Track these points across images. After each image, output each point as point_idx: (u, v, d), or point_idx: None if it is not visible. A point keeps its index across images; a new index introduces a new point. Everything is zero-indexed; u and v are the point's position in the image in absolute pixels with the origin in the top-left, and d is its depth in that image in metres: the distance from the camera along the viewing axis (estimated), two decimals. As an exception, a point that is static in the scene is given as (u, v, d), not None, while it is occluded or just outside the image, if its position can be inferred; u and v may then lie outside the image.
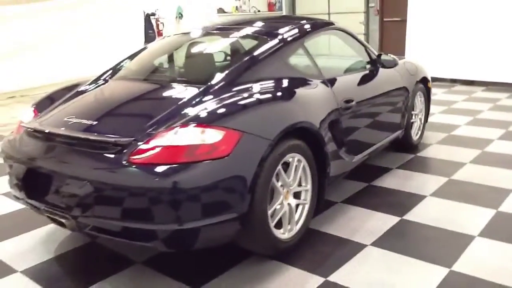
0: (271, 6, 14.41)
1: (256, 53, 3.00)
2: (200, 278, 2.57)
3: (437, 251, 2.77)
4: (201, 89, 2.71)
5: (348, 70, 3.80)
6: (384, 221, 3.18)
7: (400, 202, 3.49)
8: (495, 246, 2.81)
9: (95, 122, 2.59)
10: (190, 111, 2.50)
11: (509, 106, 6.63)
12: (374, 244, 2.88)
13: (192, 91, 2.72)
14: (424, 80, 4.71)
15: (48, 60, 9.37)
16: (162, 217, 2.26)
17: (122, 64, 3.61)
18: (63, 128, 2.60)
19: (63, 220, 2.49)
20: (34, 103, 3.16)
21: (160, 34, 11.35)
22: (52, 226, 3.27)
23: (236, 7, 13.35)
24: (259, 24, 3.53)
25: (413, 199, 3.53)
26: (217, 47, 3.69)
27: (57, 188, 2.51)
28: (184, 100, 2.62)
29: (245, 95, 2.64)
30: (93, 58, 10.08)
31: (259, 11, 13.92)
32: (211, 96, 2.63)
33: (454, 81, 8.69)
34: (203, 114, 2.45)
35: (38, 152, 2.62)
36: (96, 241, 3.05)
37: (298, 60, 3.22)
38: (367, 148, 3.70)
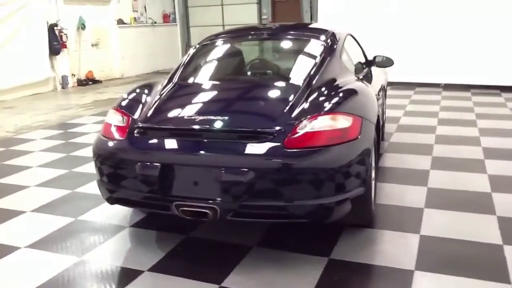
0: (166, 18, 14.57)
1: (326, 54, 3.44)
2: (322, 250, 2.93)
3: (478, 204, 3.53)
4: (303, 85, 3.06)
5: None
6: (418, 192, 3.84)
7: (414, 176, 4.21)
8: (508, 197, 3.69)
9: (226, 117, 2.81)
10: (314, 103, 2.87)
11: (423, 100, 7.99)
12: (428, 206, 3.53)
13: (295, 86, 3.06)
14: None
15: None
16: (317, 192, 2.60)
17: (189, 66, 3.70)
18: (197, 125, 2.77)
19: (206, 211, 2.65)
20: (116, 105, 3.18)
21: (64, 45, 10.78)
22: (131, 229, 3.30)
23: (135, 18, 13.24)
24: (300, 28, 3.97)
25: (421, 173, 4.29)
26: (286, 48, 4.00)
27: (203, 180, 2.66)
28: (297, 94, 2.95)
29: (344, 88, 3.09)
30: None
31: (155, 22, 13.98)
32: (318, 90, 3.02)
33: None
34: (330, 104, 2.84)
35: (174, 150, 2.74)
36: (190, 235, 3.18)
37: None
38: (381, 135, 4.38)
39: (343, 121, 2.75)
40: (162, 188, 2.72)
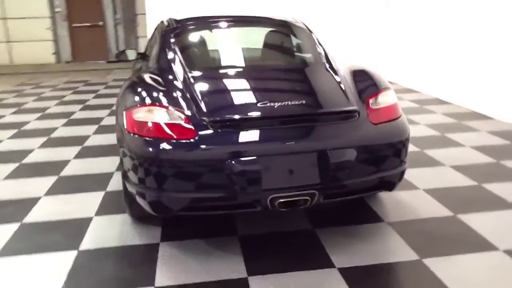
0: None
1: (318, 40, 3.57)
2: (375, 217, 3.16)
3: (418, 160, 4.27)
4: (331, 67, 3.20)
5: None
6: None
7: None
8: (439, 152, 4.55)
9: (304, 101, 2.79)
10: (360, 82, 3.03)
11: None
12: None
13: (325, 68, 3.20)
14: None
15: None
16: (395, 162, 2.82)
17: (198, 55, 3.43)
18: (280, 112, 2.65)
19: (306, 197, 2.57)
20: (150, 102, 2.74)
21: None
22: (168, 244, 2.85)
23: None
24: (272, 17, 3.92)
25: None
26: (280, 36, 3.86)
27: (300, 167, 2.56)
28: (338, 75, 3.07)
29: (361, 67, 3.27)
30: None
31: None
32: (350, 72, 3.17)
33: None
34: (374, 82, 3.03)
35: (267, 141, 2.57)
36: (239, 234, 2.95)
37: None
38: None
39: (393, 96, 3.00)
40: (257, 182, 2.49)
